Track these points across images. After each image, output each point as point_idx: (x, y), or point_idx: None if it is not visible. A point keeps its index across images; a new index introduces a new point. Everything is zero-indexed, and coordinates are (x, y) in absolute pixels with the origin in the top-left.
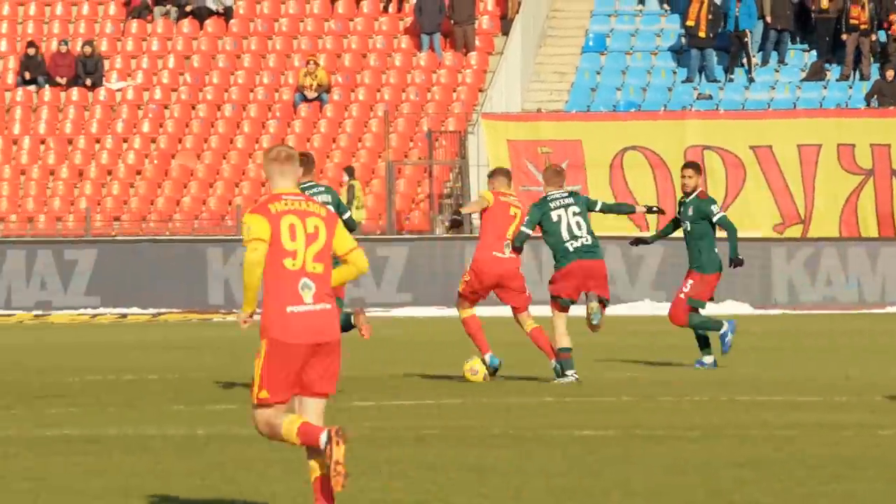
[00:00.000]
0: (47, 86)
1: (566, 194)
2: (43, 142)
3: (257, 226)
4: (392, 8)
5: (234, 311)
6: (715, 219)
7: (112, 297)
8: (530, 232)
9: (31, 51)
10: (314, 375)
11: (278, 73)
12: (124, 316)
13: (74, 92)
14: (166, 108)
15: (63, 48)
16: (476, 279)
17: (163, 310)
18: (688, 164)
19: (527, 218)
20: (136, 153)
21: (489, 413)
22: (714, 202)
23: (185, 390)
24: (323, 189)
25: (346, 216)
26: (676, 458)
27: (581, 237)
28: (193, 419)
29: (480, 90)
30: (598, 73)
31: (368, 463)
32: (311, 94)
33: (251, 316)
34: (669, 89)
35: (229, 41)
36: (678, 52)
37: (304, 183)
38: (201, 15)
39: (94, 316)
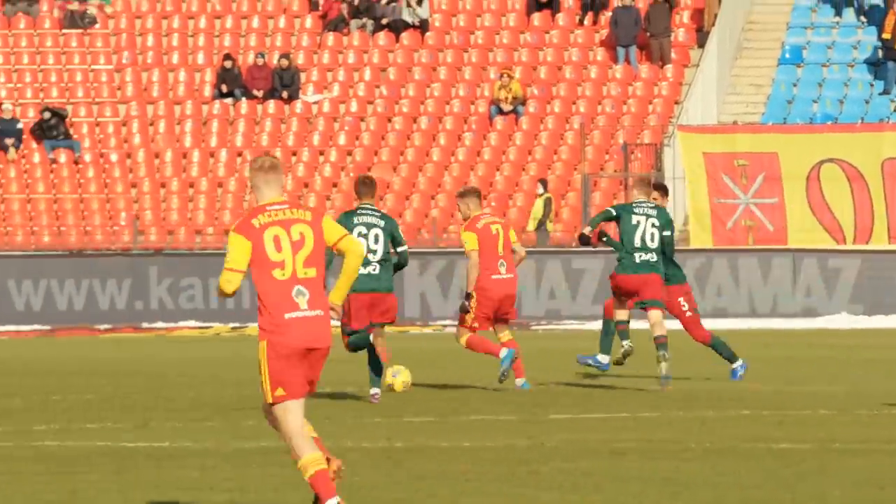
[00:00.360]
0: (244, 98)
1: (653, 206)
2: (240, 154)
3: (236, 250)
4: (588, 20)
5: (430, 322)
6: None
7: None
8: (613, 212)
9: (228, 64)
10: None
11: (474, 85)
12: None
13: (271, 104)
14: (362, 120)
15: (260, 61)
16: (485, 304)
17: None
18: (655, 186)
19: (607, 208)
20: (333, 166)
21: (684, 426)
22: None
23: (383, 402)
24: (379, 215)
25: (401, 248)
26: (873, 471)
27: (649, 250)
28: (391, 431)
29: (676, 102)
30: (795, 85)
31: (564, 475)
32: (506, 107)
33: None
34: (866, 101)
35: (425, 54)
36: (875, 65)
37: (364, 205)
38: (397, 27)
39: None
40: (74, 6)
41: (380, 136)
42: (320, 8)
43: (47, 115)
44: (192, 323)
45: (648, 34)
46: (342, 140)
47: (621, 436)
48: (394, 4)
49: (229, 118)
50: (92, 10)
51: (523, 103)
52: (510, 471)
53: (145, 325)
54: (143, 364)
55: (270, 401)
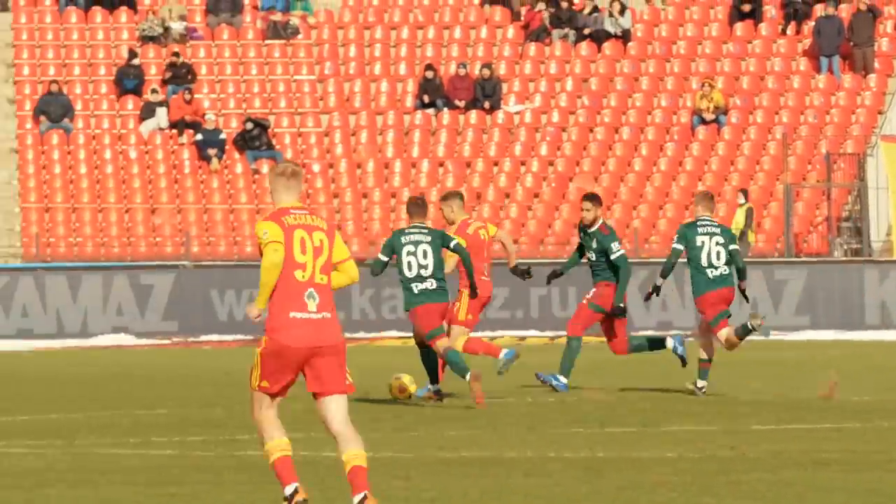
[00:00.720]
0: (446, 109)
1: (715, 222)
2: (441, 165)
3: (273, 231)
4: (790, 30)
5: (632, 332)
6: (613, 257)
7: (512, 319)
8: (681, 248)
9: (430, 74)
10: (323, 376)
11: (676, 95)
12: (523, 339)
13: (472, 115)
14: (564, 130)
15: (462, 71)
16: (477, 302)
17: (560, 333)
18: (586, 197)
19: (676, 237)
20: (534, 176)
21: (889, 436)
22: (615, 239)
23: (584, 412)
24: (426, 231)
25: (452, 244)
26: None
27: (718, 267)
28: (593, 441)
29: (880, 112)
30: None
31: (766, 486)
32: (708, 117)
33: (260, 315)
34: None
35: (627, 64)
36: None
37: (413, 224)
38: (599, 37)
39: (493, 338)
40: (277, 17)
41: (581, 146)
42: (522, 18)
43: (250, 125)
44: (394, 333)
45: (852, 44)
46: (544, 150)
47: (825, 446)
48: (596, 14)
49: (431, 128)
50: (295, 21)
51: (725, 113)
52: (711, 481)
53: (347, 335)
54: None
55: (254, 386)
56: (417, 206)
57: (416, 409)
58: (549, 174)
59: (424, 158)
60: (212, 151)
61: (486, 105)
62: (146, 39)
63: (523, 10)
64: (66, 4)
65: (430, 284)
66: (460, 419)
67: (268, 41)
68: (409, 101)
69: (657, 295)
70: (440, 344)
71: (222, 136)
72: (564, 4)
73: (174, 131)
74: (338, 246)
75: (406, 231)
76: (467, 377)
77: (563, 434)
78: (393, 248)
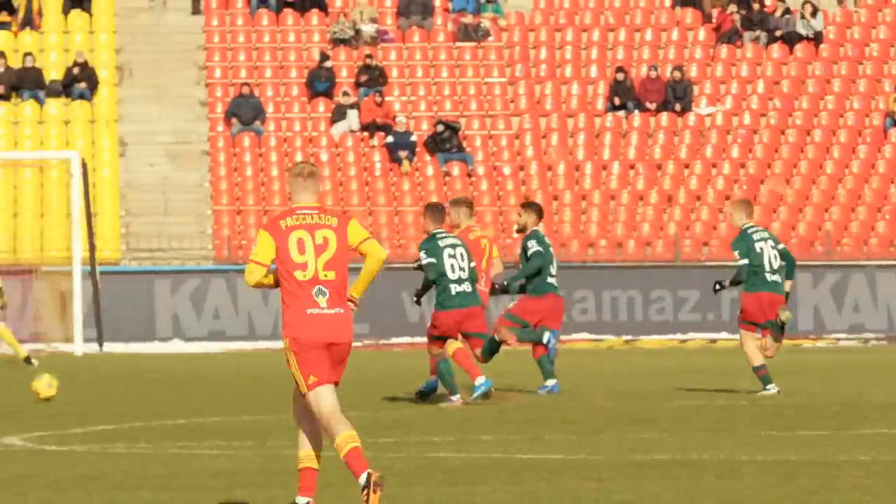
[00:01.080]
0: (636, 111)
1: (761, 228)
2: (632, 167)
3: (261, 246)
4: None
5: (823, 336)
6: (528, 252)
7: (703, 322)
8: (747, 262)
9: (621, 76)
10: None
11: (868, 97)
12: (714, 341)
13: (663, 117)
14: (755, 133)
15: (653, 73)
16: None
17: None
18: (522, 205)
19: (740, 251)
20: (725, 179)
21: None
22: (530, 238)
23: (778, 415)
24: (454, 236)
25: (471, 265)
26: None
27: (776, 271)
28: (785, 444)
29: None
30: None
31: None
32: None
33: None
34: None
35: (819, 66)
36: None
37: (438, 230)
38: (791, 40)
39: (684, 341)
40: (468, 19)
41: (773, 148)
42: (714, 20)
43: (441, 127)
44: (584, 335)
45: None
46: (735, 153)
47: None
48: (788, 16)
49: (622, 131)
50: (485, 23)
51: None
52: None
53: None
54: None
55: (305, 390)
56: (440, 211)
57: (609, 410)
58: (741, 177)
59: (615, 160)
60: (403, 153)
61: (677, 107)
62: (337, 42)
63: (714, 13)
64: (258, 7)
65: (467, 287)
66: (651, 421)
67: (458, 43)
68: (600, 104)
69: (721, 288)
70: (439, 352)
71: (413, 138)
72: (756, 6)
73: (365, 133)
74: (353, 232)
75: (437, 236)
76: (455, 398)
77: (756, 437)
78: (434, 252)
